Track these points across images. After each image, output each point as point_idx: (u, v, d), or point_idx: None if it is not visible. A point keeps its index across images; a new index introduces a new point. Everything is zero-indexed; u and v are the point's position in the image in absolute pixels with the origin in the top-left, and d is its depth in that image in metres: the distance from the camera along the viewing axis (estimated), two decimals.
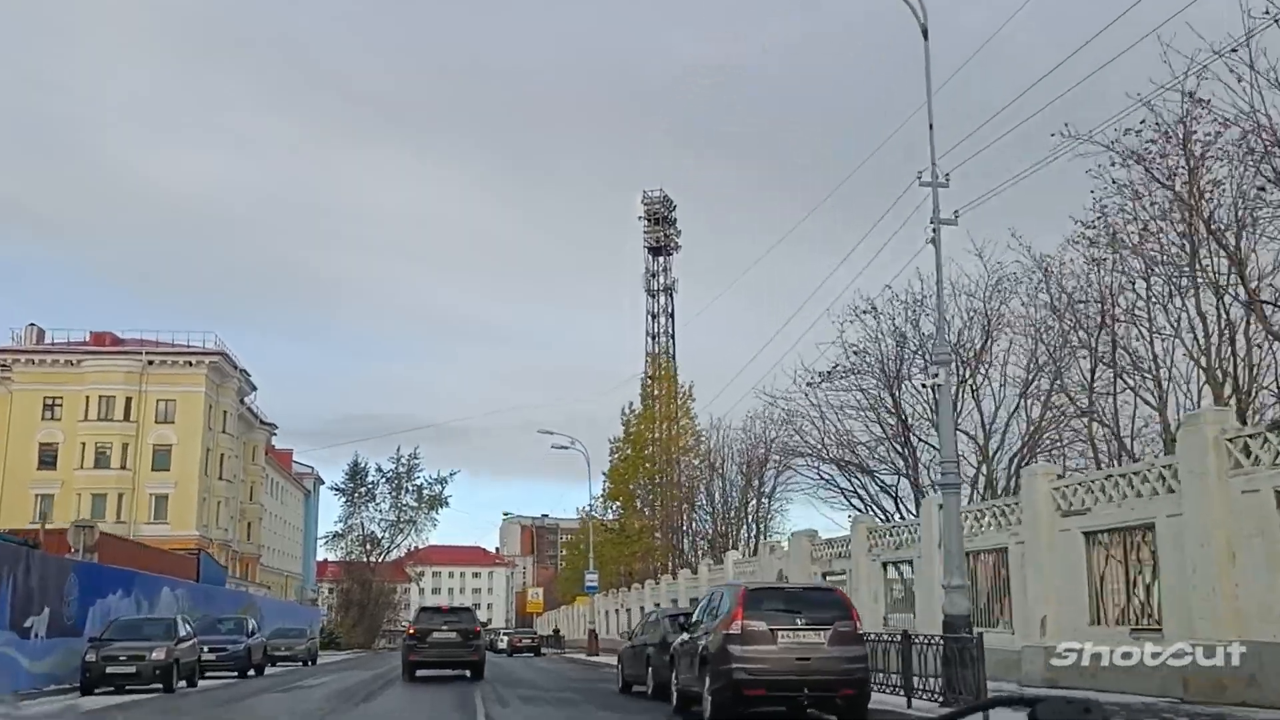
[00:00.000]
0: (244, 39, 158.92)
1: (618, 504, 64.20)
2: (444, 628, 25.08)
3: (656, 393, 66.28)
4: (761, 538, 44.15)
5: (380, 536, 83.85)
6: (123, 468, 64.63)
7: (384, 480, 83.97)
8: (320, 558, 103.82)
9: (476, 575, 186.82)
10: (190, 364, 67.81)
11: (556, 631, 74.23)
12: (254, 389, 79.25)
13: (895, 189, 23.17)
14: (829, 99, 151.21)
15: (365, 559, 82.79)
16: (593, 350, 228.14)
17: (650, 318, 79.99)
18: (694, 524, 53.65)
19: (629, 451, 63.19)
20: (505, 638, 64.15)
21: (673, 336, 78.86)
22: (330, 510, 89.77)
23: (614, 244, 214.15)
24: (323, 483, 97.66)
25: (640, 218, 79.93)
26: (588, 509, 66.39)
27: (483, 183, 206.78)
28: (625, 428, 64.94)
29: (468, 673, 24.96)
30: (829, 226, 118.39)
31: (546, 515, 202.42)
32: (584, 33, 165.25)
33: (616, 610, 57.70)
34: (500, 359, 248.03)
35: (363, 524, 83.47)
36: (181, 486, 65.59)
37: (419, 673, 24.58)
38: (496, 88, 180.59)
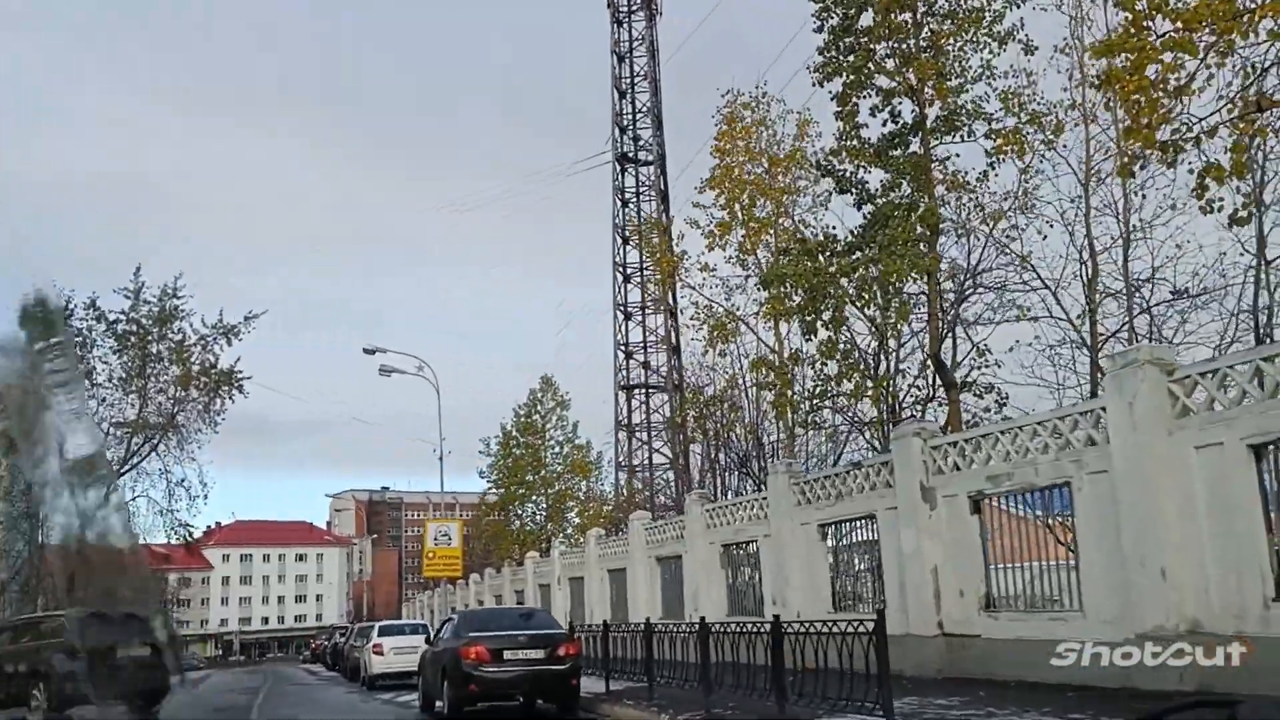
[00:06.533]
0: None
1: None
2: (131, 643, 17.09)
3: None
4: None
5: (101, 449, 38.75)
6: None
7: (110, 333, 38.99)
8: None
9: (301, 559, 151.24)
10: None
11: None
12: None
13: None
14: None
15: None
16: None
17: (618, 61, 52.63)
18: None
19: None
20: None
21: (657, 88, 51.88)
22: None
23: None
24: None
25: None
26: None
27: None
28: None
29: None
30: None
31: (387, 488, 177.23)
32: None
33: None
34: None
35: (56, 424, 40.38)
36: None
37: None
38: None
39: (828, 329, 18.06)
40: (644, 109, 53.72)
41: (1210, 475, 10.76)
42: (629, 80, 53.71)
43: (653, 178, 53.39)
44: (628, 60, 53.77)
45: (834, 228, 19.35)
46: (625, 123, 53.46)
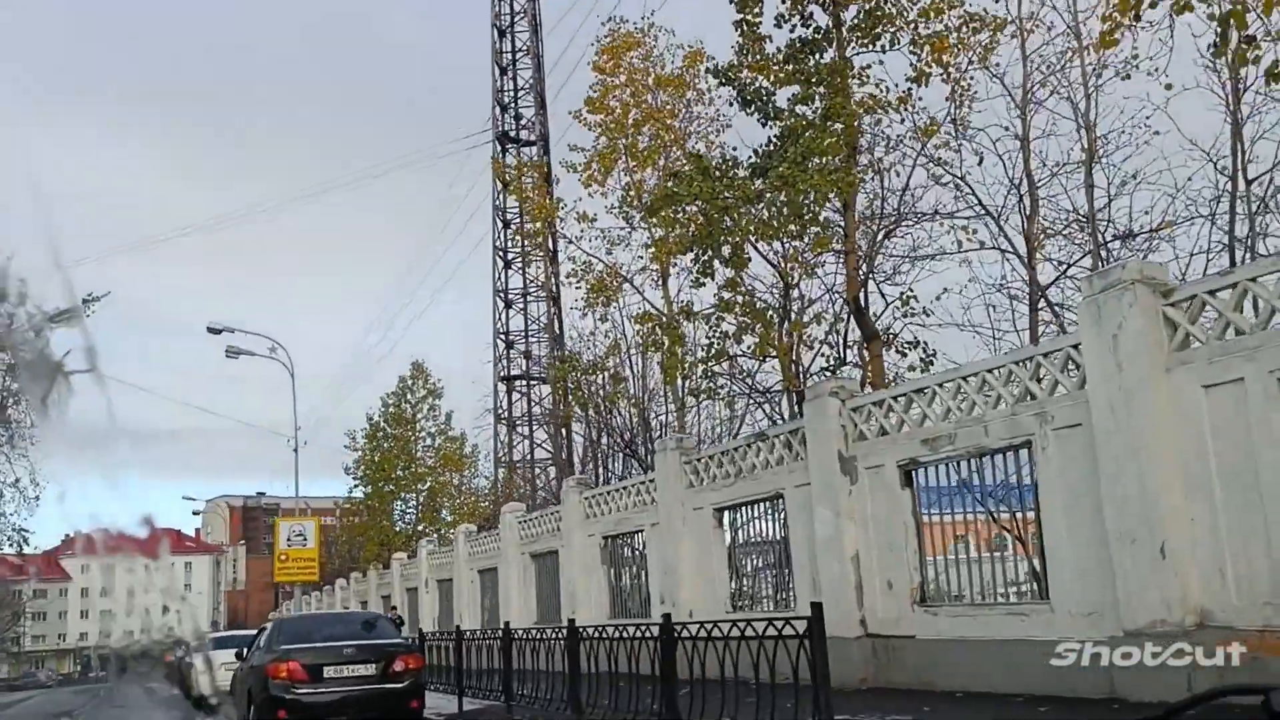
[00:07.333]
0: None
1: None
2: None
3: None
4: None
5: None
6: None
7: None
8: None
9: (169, 566, 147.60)
10: None
11: (398, 621, 25.51)
12: None
13: None
14: None
15: None
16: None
17: (498, 35, 48.41)
18: None
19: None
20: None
21: (540, 65, 48.53)
22: None
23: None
24: None
25: None
26: None
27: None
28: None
29: None
30: None
31: (263, 494, 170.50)
32: None
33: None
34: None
35: None
36: None
37: None
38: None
39: (727, 266, 15.18)
40: (526, 86, 50.51)
41: (1226, 421, 8.30)
42: (510, 55, 50.35)
43: (535, 158, 50.52)
44: (509, 35, 50.25)
45: (735, 149, 16.64)
46: (506, 100, 49.90)
